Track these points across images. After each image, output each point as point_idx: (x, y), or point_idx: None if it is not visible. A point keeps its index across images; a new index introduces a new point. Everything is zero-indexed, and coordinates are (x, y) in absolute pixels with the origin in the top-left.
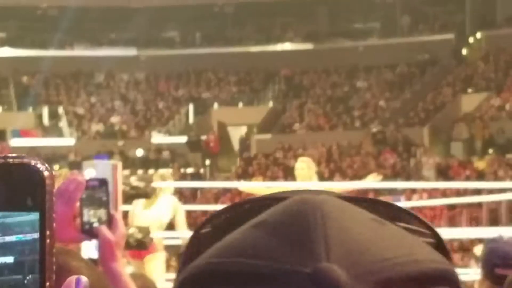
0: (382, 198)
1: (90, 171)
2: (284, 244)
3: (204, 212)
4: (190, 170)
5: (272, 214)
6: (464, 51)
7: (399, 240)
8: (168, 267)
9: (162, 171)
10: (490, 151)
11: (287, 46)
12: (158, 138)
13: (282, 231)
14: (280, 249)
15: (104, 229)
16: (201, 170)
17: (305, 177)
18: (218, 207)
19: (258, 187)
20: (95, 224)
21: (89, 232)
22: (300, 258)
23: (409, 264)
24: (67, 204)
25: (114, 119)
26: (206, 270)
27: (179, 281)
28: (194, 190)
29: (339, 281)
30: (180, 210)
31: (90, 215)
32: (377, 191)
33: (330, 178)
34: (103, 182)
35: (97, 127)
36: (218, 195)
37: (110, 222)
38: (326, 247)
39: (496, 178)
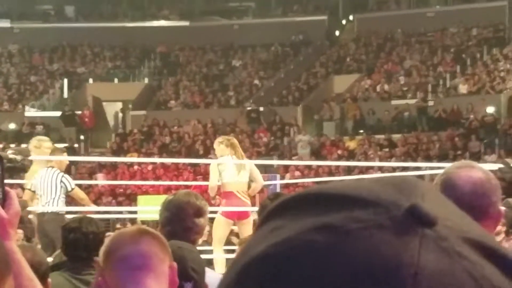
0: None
1: None
2: (385, 187)
3: (78, 187)
4: (64, 144)
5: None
6: (337, 33)
7: (485, 232)
8: None
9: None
10: (361, 131)
11: (163, 22)
12: (31, 112)
13: (384, 181)
14: (381, 189)
15: None
16: (76, 145)
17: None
18: (92, 182)
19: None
20: None
21: None
22: (400, 197)
23: (496, 246)
24: None
25: None
26: (307, 193)
27: (279, 203)
28: (68, 165)
29: (433, 218)
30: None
31: None
32: None
33: (205, 155)
34: None
35: None
36: (92, 170)
37: (4, 199)
38: (422, 198)
39: (366, 157)
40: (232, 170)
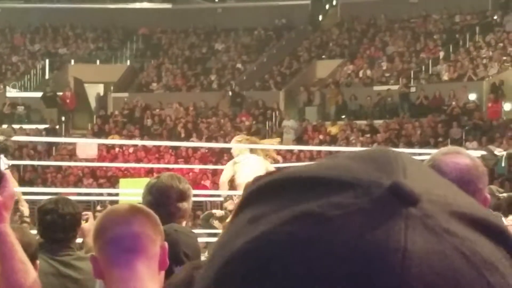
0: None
1: None
2: (363, 165)
3: (59, 168)
4: (45, 125)
5: (349, 152)
6: (320, 18)
7: (473, 200)
8: None
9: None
10: (343, 116)
11: (145, 4)
12: (13, 92)
13: (361, 157)
14: (360, 167)
15: None
16: (57, 126)
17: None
18: (73, 163)
19: None
20: None
21: None
22: (380, 175)
23: (486, 215)
24: None
25: None
26: (284, 176)
27: (254, 188)
28: (49, 146)
29: (417, 196)
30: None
31: None
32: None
33: (187, 138)
34: None
35: None
36: (73, 152)
37: None
38: (404, 174)
39: (348, 142)
40: (248, 170)
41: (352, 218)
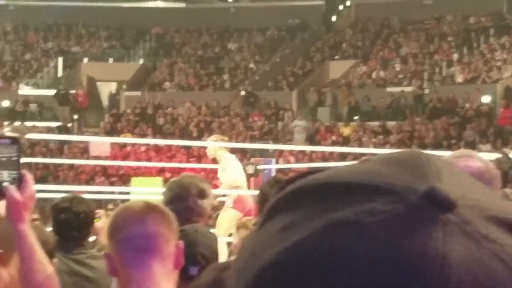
0: (252, 160)
1: None
2: (396, 169)
3: (71, 166)
4: (57, 123)
5: (379, 155)
6: (334, 18)
7: (508, 204)
8: None
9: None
10: (356, 117)
11: (159, 3)
12: (25, 90)
13: (393, 161)
14: (392, 171)
15: (12, 189)
16: (69, 124)
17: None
18: (84, 161)
19: None
20: (5, 184)
21: None
22: (414, 180)
23: None
24: None
25: None
26: (314, 182)
27: (283, 194)
28: (61, 144)
29: (453, 201)
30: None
31: (0, 174)
32: (246, 152)
33: (199, 137)
34: (15, 141)
35: None
36: (85, 150)
37: (20, 181)
38: (438, 178)
39: (360, 144)
40: (239, 166)
41: (388, 225)
